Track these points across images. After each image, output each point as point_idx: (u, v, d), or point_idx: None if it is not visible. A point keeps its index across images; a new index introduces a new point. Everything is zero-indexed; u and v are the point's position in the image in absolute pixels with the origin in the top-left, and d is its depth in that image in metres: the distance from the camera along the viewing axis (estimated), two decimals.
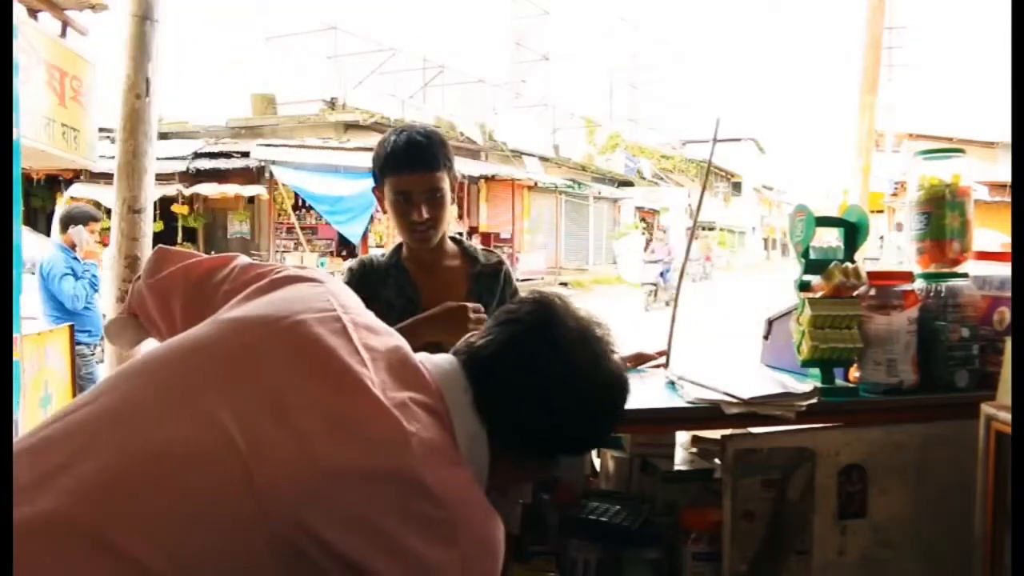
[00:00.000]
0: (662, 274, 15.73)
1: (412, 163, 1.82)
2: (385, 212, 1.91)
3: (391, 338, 1.00)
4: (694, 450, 1.77)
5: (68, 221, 4.71)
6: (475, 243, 2.08)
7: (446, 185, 1.86)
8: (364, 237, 14.33)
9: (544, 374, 1.00)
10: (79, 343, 4.28)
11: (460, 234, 1.97)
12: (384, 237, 14.94)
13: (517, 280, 2.07)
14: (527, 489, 1.21)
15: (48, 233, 13.16)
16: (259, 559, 0.79)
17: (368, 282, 1.89)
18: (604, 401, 1.05)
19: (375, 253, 1.97)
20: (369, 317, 1.03)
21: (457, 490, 0.89)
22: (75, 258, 4.62)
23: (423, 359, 1.01)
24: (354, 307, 1.02)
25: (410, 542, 0.84)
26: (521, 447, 1.02)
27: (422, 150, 1.82)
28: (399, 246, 1.96)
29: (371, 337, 0.97)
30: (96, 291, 4.65)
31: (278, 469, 0.81)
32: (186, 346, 0.95)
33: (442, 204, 1.86)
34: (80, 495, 0.78)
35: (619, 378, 1.07)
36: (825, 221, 1.57)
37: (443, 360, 1.03)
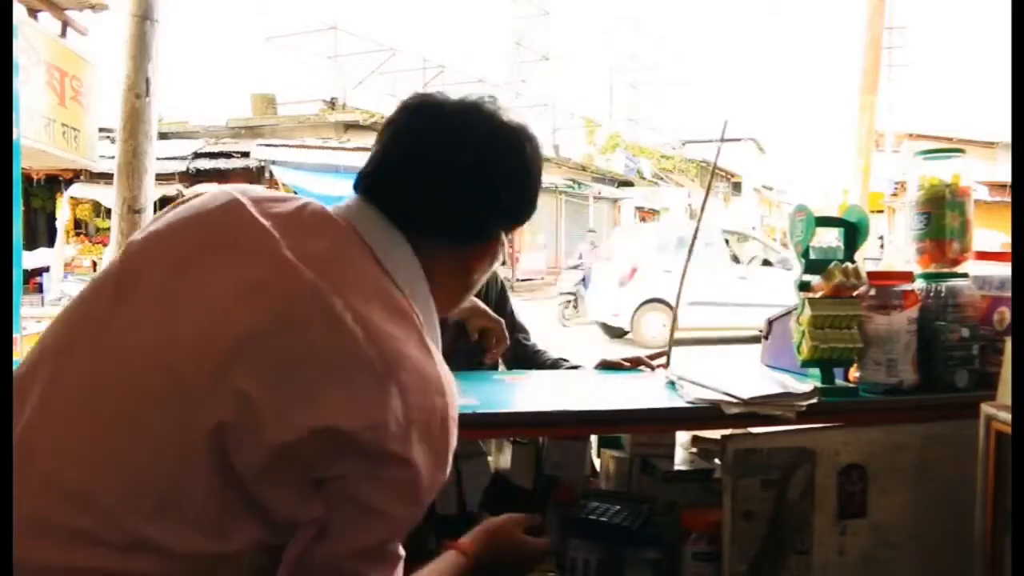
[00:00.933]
0: (583, 280, 13.11)
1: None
2: None
3: (297, 200, 0.95)
4: (694, 450, 1.77)
5: None
6: None
7: None
8: None
9: (436, 141, 0.96)
10: None
11: None
12: None
13: (518, 280, 2.09)
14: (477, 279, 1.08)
15: (49, 233, 13.19)
16: (198, 470, 0.77)
17: None
18: (510, 152, 0.99)
19: None
20: (273, 191, 1.01)
21: (381, 325, 0.83)
22: None
23: (332, 207, 0.97)
24: (256, 190, 0.98)
25: (332, 387, 0.78)
26: (449, 233, 0.97)
27: None
28: None
29: (275, 205, 0.92)
30: None
31: (195, 354, 0.79)
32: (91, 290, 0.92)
33: None
34: (24, 426, 0.79)
35: (518, 127, 1.01)
36: (825, 221, 1.57)
37: (346, 200, 0.98)
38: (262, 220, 0.89)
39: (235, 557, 0.80)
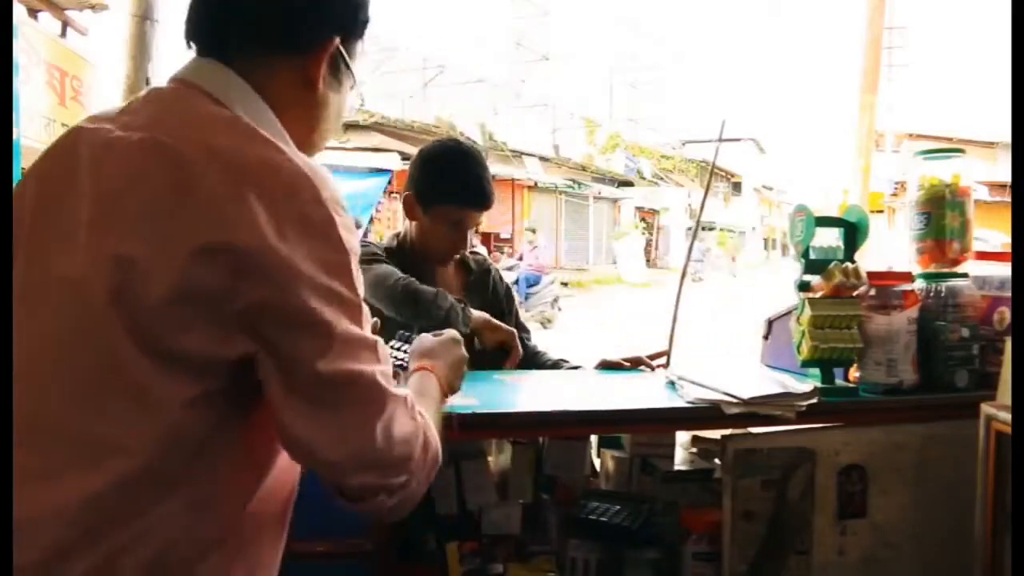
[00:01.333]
0: (517, 281, 11.77)
1: (483, 202, 1.89)
2: (412, 218, 1.94)
3: (148, 99, 0.94)
4: (694, 450, 1.77)
5: None
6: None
7: None
8: (364, 235, 14.32)
9: None
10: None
11: None
12: (383, 238, 14.92)
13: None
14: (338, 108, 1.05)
15: None
16: (119, 346, 0.78)
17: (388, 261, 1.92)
18: None
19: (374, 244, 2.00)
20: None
21: (219, 142, 0.83)
22: None
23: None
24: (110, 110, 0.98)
25: (190, 213, 0.79)
26: (268, 41, 0.94)
27: (489, 190, 1.90)
28: (396, 237, 1.99)
29: (122, 109, 0.93)
30: None
31: (71, 251, 0.82)
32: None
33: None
34: None
35: None
36: (825, 221, 1.57)
37: None
38: (96, 125, 0.90)
39: (186, 427, 0.80)
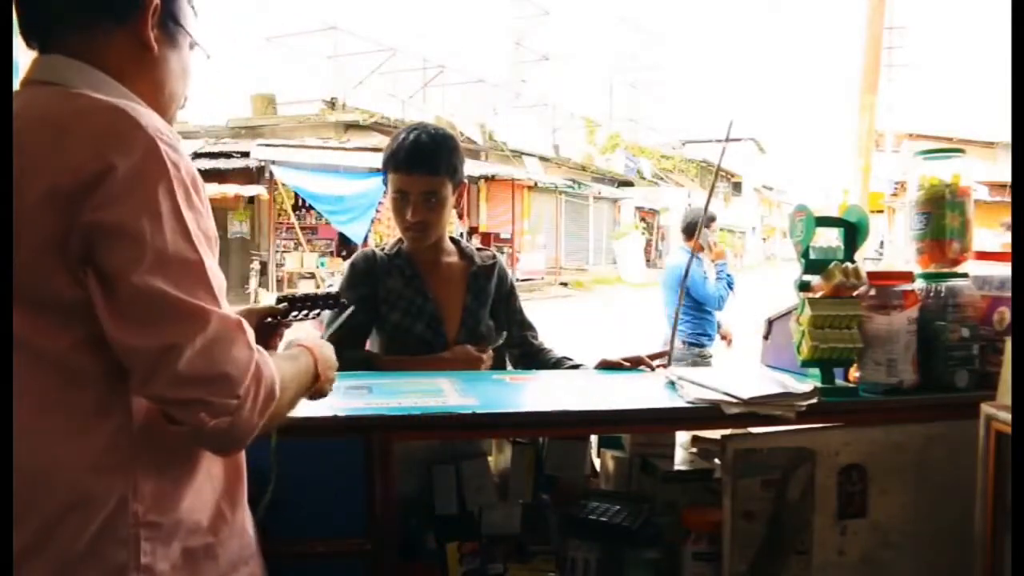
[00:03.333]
0: None
1: (412, 164, 1.84)
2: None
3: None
4: (694, 450, 1.77)
5: (692, 226, 4.82)
6: (473, 243, 2.13)
7: (445, 190, 1.87)
8: (365, 236, 14.31)
9: None
10: (697, 344, 4.61)
11: (461, 234, 2.02)
12: (384, 238, 14.93)
13: (516, 280, 2.10)
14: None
15: None
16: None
17: (372, 274, 1.92)
18: None
19: (376, 248, 2.00)
20: None
21: (49, 109, 0.91)
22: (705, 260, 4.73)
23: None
24: None
25: (30, 172, 0.87)
26: (86, 14, 0.98)
27: (424, 152, 1.83)
28: (401, 240, 1.98)
29: None
30: (732, 290, 4.78)
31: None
32: None
33: (437, 208, 1.87)
34: None
35: None
36: (825, 221, 1.57)
37: None
38: None
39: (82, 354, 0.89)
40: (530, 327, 2.07)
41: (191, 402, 0.87)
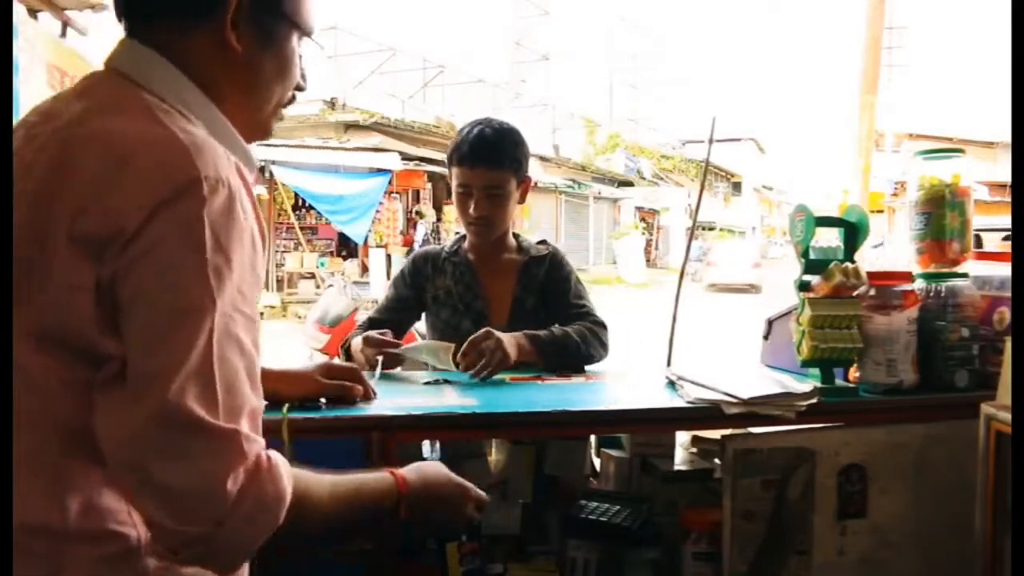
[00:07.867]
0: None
1: (474, 158, 1.84)
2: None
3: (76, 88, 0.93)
4: (694, 450, 1.77)
5: None
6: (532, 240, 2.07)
7: (509, 185, 1.86)
8: (365, 236, 14.30)
9: None
10: None
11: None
12: (384, 237, 14.92)
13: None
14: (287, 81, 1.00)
15: None
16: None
17: (424, 272, 1.95)
18: None
19: (438, 245, 2.03)
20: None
21: (111, 125, 0.82)
22: None
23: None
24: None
25: (69, 198, 0.78)
26: (176, 11, 0.90)
27: (487, 146, 1.83)
28: (462, 236, 1.98)
29: (59, 103, 0.91)
30: None
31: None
32: None
33: (500, 203, 1.86)
34: None
35: None
36: (825, 221, 1.57)
37: None
38: (32, 118, 0.89)
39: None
40: (578, 295, 1.95)
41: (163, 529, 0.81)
